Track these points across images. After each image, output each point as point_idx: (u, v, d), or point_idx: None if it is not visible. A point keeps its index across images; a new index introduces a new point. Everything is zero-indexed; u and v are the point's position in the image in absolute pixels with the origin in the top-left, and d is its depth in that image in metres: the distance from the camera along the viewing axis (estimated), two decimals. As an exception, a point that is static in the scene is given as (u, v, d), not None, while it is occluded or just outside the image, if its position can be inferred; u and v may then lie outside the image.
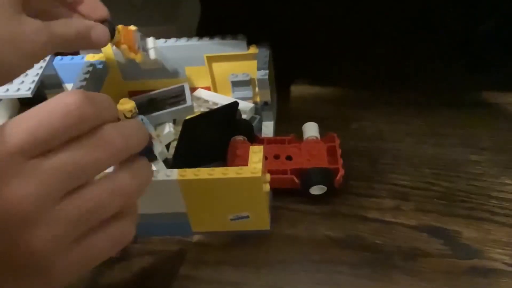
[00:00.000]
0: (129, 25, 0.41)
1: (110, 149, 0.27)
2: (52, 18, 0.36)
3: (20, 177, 0.25)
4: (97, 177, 0.28)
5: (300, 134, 0.50)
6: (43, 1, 0.37)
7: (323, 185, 0.46)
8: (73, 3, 0.38)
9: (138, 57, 0.36)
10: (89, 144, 0.27)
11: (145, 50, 0.37)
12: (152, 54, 0.37)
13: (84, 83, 0.49)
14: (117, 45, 0.35)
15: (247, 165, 0.41)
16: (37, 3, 0.37)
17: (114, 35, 0.36)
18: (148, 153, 0.30)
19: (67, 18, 0.37)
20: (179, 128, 0.50)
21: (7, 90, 0.47)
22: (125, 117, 0.32)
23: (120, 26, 0.36)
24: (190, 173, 0.41)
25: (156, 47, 0.37)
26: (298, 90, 0.60)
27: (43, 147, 0.26)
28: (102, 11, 0.39)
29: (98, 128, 0.27)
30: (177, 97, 0.55)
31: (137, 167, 0.29)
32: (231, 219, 0.44)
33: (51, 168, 0.26)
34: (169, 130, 0.51)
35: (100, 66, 0.53)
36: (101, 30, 0.37)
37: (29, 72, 0.48)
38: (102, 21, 0.38)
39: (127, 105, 0.32)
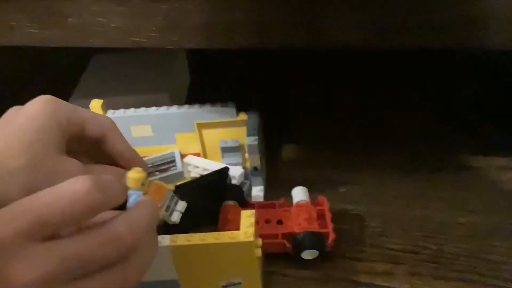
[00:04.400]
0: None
1: (119, 245, 0.28)
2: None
3: (25, 260, 0.25)
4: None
5: (289, 198, 0.51)
6: (87, 149, 0.39)
7: (314, 249, 0.46)
8: (115, 156, 0.39)
9: None
10: (98, 238, 0.28)
11: (171, 210, 0.38)
12: (174, 217, 0.38)
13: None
14: (144, 194, 0.36)
15: (239, 229, 0.41)
16: (81, 148, 0.39)
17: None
18: None
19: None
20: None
21: None
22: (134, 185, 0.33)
23: (154, 182, 0.37)
24: (182, 239, 0.41)
25: (182, 211, 0.38)
26: (286, 155, 0.61)
27: (50, 230, 0.26)
28: (142, 167, 0.40)
29: (108, 221, 0.29)
30: (168, 163, 0.55)
31: (144, 253, 0.30)
32: (223, 286, 0.43)
33: (57, 256, 0.26)
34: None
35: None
36: None
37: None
38: None
39: (136, 174, 0.33)
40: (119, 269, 0.29)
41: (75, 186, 0.27)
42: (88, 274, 0.27)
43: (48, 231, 0.26)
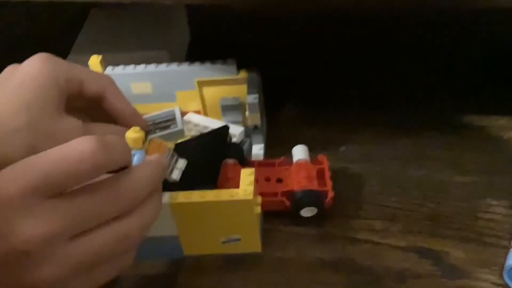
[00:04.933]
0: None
1: (121, 202, 0.29)
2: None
3: (30, 216, 0.26)
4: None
5: (289, 156, 0.51)
6: (86, 107, 0.39)
7: (313, 207, 0.46)
8: (115, 113, 0.39)
9: None
10: (102, 195, 0.28)
11: (171, 168, 0.38)
12: (174, 175, 0.37)
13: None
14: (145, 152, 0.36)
15: (238, 187, 0.41)
16: (80, 107, 0.39)
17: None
18: None
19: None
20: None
21: None
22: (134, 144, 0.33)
23: (154, 139, 0.37)
24: (181, 196, 0.41)
25: (182, 169, 0.38)
26: (287, 113, 0.61)
27: (56, 189, 0.27)
28: (141, 124, 0.40)
29: (112, 179, 0.29)
30: (168, 121, 0.55)
31: (147, 210, 0.31)
32: (223, 242, 0.44)
33: (62, 213, 0.27)
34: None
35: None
36: None
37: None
38: None
39: (134, 134, 0.33)
40: (123, 225, 0.29)
41: (81, 146, 0.27)
42: (91, 230, 0.28)
43: (54, 189, 0.27)
